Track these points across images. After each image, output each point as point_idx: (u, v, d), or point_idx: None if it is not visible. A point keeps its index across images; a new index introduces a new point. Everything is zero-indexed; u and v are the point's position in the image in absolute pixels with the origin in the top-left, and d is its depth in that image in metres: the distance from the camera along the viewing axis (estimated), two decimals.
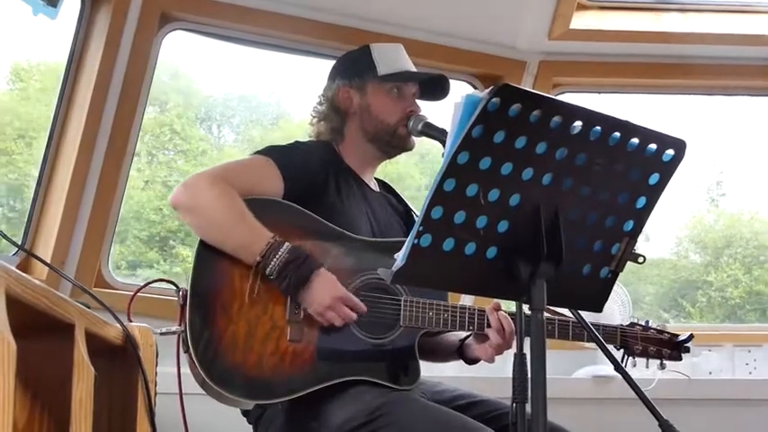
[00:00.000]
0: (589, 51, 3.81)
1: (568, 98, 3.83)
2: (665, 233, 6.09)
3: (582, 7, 3.70)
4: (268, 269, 2.24)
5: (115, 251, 5.21)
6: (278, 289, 2.26)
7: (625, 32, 3.76)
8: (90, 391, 1.47)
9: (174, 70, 5.42)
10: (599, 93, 4.06)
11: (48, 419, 1.47)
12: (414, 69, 2.65)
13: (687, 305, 5.77)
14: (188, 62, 5.18)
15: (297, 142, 2.60)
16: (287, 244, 2.25)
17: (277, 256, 2.23)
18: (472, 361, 2.54)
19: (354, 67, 2.65)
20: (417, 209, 2.63)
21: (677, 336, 2.66)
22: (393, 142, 2.60)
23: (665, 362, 2.65)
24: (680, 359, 2.68)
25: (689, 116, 4.78)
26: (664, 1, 3.87)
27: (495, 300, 2.48)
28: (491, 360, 2.44)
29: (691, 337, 2.65)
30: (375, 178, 2.74)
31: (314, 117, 2.68)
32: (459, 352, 2.55)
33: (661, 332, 2.65)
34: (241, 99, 5.65)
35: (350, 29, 3.55)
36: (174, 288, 2.26)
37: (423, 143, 2.66)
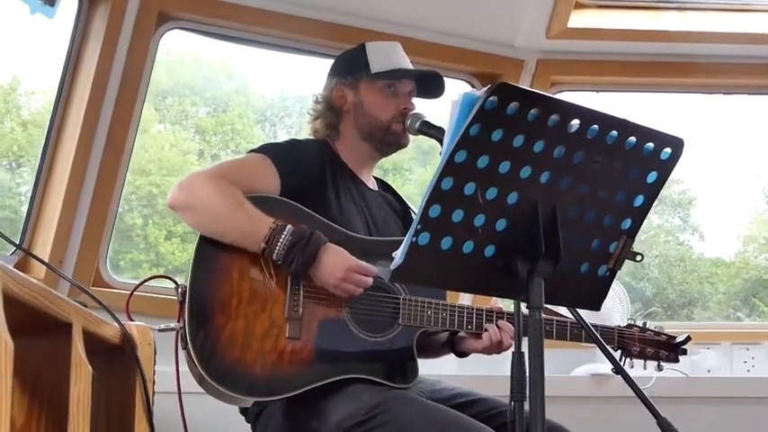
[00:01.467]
0: (587, 50, 3.81)
1: (566, 97, 3.83)
2: (726, 233, 6.13)
3: (580, 6, 3.70)
4: (274, 254, 2.24)
5: (183, 252, 5.27)
6: (287, 272, 2.27)
7: (623, 31, 3.76)
8: (88, 391, 1.47)
9: (230, 71, 5.49)
10: (597, 91, 4.06)
11: (46, 419, 1.47)
12: (409, 67, 2.66)
13: (761, 304, 5.81)
14: (243, 63, 5.26)
15: (293, 140, 2.62)
16: (289, 226, 2.25)
17: (281, 240, 2.23)
18: (463, 354, 2.54)
19: (349, 65, 2.66)
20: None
21: (674, 337, 2.66)
22: (386, 139, 2.60)
23: (662, 363, 2.64)
24: (677, 361, 2.67)
25: (741, 115, 4.77)
26: None
27: (498, 306, 2.49)
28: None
29: (688, 339, 2.65)
30: (374, 177, 2.75)
31: (310, 115, 2.69)
32: (451, 345, 2.55)
33: (658, 334, 2.65)
34: (297, 99, 5.71)
35: (348, 27, 3.55)
36: (174, 285, 2.27)
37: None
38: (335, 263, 2.26)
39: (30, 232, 3.32)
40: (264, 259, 2.27)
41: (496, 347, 2.43)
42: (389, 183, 2.85)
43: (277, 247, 2.23)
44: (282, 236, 2.24)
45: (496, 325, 2.43)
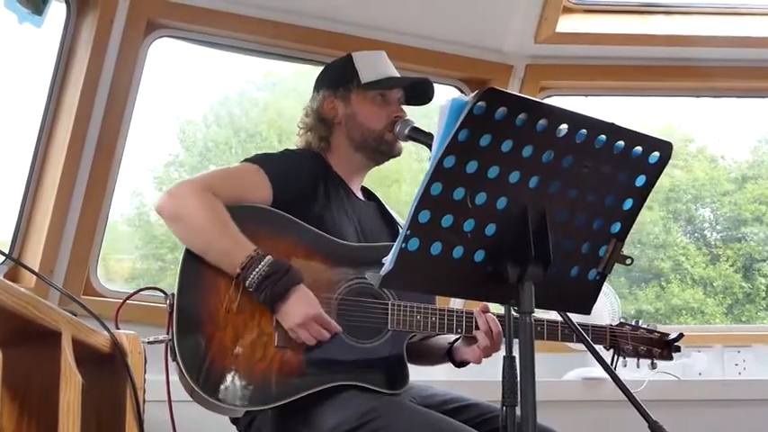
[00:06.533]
0: (575, 54, 3.82)
1: (555, 101, 3.84)
2: None
3: (568, 10, 3.71)
4: (247, 282, 2.23)
5: None
6: (256, 300, 2.26)
7: (611, 35, 3.77)
8: (77, 399, 1.47)
9: None
10: (586, 96, 4.07)
11: (35, 427, 1.46)
12: (397, 75, 2.66)
13: None
14: None
15: (287, 150, 2.61)
16: (268, 257, 2.24)
17: (257, 270, 2.22)
18: (461, 363, 2.54)
19: (338, 76, 2.64)
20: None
21: (667, 335, 2.67)
22: (380, 148, 2.60)
23: (655, 361, 2.65)
24: (671, 358, 2.68)
25: None
26: (650, 4, 3.88)
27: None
28: (479, 361, 2.45)
29: (680, 336, 2.66)
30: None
31: (301, 129, 2.67)
32: (449, 355, 2.55)
33: (651, 331, 2.66)
34: None
35: (336, 34, 3.55)
36: (163, 295, 2.26)
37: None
38: (301, 307, 2.25)
39: (20, 241, 3.31)
40: (236, 283, 2.27)
41: (493, 342, 2.42)
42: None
43: (251, 276, 2.22)
44: (260, 266, 2.23)
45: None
